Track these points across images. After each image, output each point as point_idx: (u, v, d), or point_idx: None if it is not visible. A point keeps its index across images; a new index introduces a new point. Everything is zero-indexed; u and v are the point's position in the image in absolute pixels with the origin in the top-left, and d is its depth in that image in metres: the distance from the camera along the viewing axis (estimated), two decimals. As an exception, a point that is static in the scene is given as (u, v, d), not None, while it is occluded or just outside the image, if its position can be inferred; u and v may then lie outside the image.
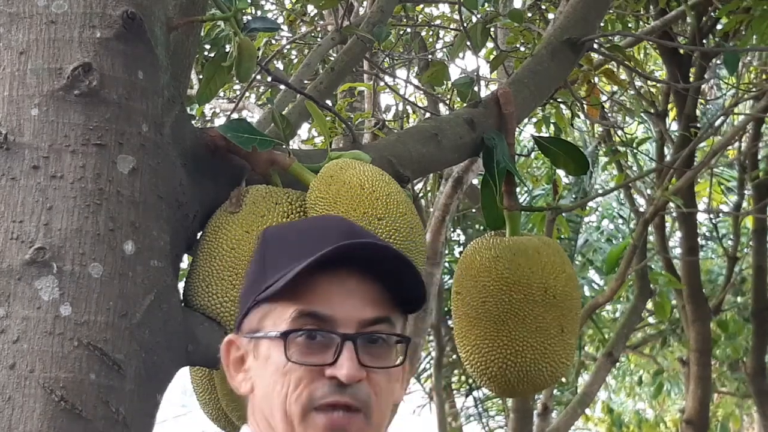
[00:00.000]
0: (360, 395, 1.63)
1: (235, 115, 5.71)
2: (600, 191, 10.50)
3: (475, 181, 6.68)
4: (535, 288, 2.87)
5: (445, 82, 4.52)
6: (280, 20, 7.68)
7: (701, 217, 10.34)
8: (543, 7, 6.88)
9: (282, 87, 4.93)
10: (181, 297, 2.45)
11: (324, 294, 1.64)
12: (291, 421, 1.63)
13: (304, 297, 1.64)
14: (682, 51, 7.45)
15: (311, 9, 7.40)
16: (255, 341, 1.69)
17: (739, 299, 10.05)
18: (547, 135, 5.50)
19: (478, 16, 4.13)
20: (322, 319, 1.64)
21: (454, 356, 10.48)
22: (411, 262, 1.67)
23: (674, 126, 9.05)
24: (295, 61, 7.72)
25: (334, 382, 1.62)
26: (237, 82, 4.91)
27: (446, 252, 7.69)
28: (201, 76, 5.56)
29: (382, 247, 1.65)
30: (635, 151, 7.36)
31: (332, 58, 4.64)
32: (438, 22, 7.23)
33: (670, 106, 8.35)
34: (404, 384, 1.74)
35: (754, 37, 5.04)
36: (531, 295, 2.86)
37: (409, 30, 7.23)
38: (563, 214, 6.22)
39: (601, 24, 4.80)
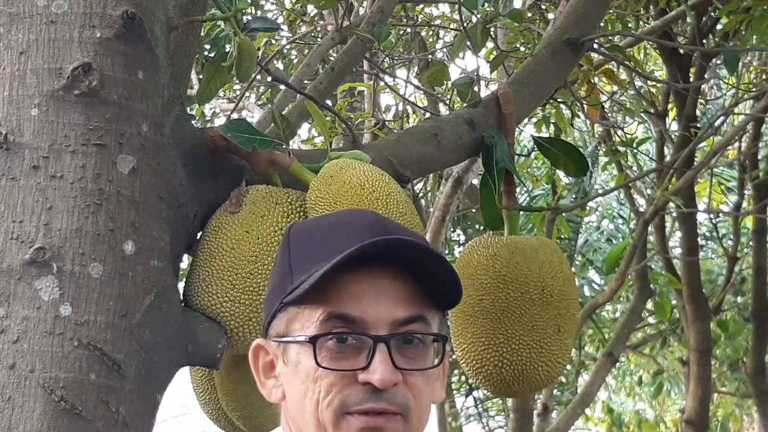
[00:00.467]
0: (397, 399, 1.55)
1: (235, 115, 5.71)
2: (600, 191, 10.50)
3: (475, 181, 6.67)
4: (533, 286, 2.87)
5: (445, 82, 4.53)
6: (280, 20, 7.68)
7: (701, 217, 10.35)
8: (543, 7, 6.88)
9: (282, 87, 4.93)
10: (181, 297, 2.45)
11: (353, 294, 1.56)
12: (324, 427, 1.56)
13: (332, 298, 1.56)
14: (682, 51, 7.45)
15: (311, 9, 7.40)
16: (284, 346, 1.61)
17: (739, 299, 10.05)
18: (547, 135, 5.50)
19: (478, 16, 4.13)
20: (352, 321, 1.56)
21: (454, 356, 10.47)
22: (442, 256, 1.59)
23: (674, 126, 9.05)
24: (295, 61, 7.72)
25: (368, 387, 1.54)
26: (237, 82, 4.91)
27: (446, 252, 7.69)
28: (201, 76, 5.56)
29: (410, 242, 1.56)
30: (635, 151, 7.37)
31: (332, 58, 4.64)
32: (438, 22, 7.23)
33: (670, 106, 8.35)
34: (444, 382, 1.65)
35: (754, 37, 5.04)
36: (528, 294, 2.86)
37: (409, 30, 7.23)
38: (563, 214, 6.22)
39: (601, 24, 4.80)
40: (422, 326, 1.58)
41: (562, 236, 9.22)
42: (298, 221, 1.70)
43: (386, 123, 6.74)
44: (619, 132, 7.44)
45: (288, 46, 7.50)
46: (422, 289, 1.59)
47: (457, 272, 1.60)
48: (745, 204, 8.75)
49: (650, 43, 7.89)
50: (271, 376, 1.66)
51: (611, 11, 6.28)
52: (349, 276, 1.56)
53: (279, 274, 1.64)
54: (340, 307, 1.56)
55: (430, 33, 7.88)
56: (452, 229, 10.63)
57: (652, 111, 8.04)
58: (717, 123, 7.30)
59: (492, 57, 5.64)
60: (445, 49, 7.93)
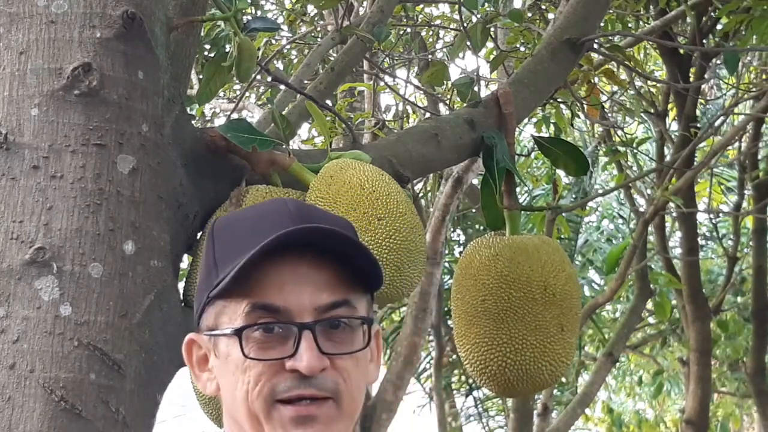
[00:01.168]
0: (326, 384, 1.56)
1: (235, 115, 5.71)
2: (600, 191, 10.50)
3: (475, 181, 6.68)
4: (535, 286, 2.86)
5: (445, 82, 4.52)
6: (280, 20, 7.68)
7: (701, 217, 10.34)
8: (543, 7, 6.88)
9: (282, 87, 4.93)
10: (181, 297, 2.45)
11: (275, 284, 1.56)
12: (256, 417, 1.57)
13: (255, 289, 1.56)
14: (682, 51, 7.44)
15: (311, 9, 7.40)
16: (214, 339, 1.61)
17: (739, 299, 10.05)
18: (547, 135, 5.50)
19: (478, 16, 4.13)
20: (276, 311, 1.56)
21: (454, 356, 10.48)
22: (356, 241, 1.59)
23: (674, 126, 9.04)
24: (295, 61, 7.72)
25: (296, 374, 1.55)
26: (237, 82, 4.90)
27: (446, 252, 7.70)
28: (201, 76, 5.55)
29: (325, 230, 1.57)
30: (635, 151, 7.36)
31: (332, 58, 4.64)
32: (438, 22, 7.23)
33: (670, 106, 8.35)
34: (378, 363, 1.66)
35: (754, 37, 5.04)
36: (530, 294, 2.86)
37: (409, 30, 7.23)
38: (563, 214, 6.21)
39: (601, 24, 4.81)
40: (347, 310, 1.59)
41: (562, 236, 9.22)
42: (221, 216, 1.71)
43: (386, 123, 6.74)
44: (619, 132, 7.44)
45: (288, 46, 7.50)
46: (346, 274, 1.59)
47: (373, 255, 1.60)
48: (745, 204, 8.75)
49: (650, 43, 7.89)
50: (204, 369, 1.66)
51: (611, 11, 6.28)
52: (270, 266, 1.56)
53: (205, 269, 1.64)
54: (263, 297, 1.57)
55: (430, 33, 7.88)
56: (452, 229, 10.63)
57: (652, 111, 8.04)
58: (717, 123, 7.30)
59: (492, 57, 5.64)
60: (445, 49, 7.92)
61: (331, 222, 1.62)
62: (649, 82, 8.08)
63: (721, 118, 6.93)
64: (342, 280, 1.59)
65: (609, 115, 8.24)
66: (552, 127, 5.95)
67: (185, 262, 2.72)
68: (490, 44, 6.04)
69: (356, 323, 1.59)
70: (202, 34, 3.23)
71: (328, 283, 1.58)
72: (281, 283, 1.57)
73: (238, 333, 1.56)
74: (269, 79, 5.66)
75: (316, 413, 1.55)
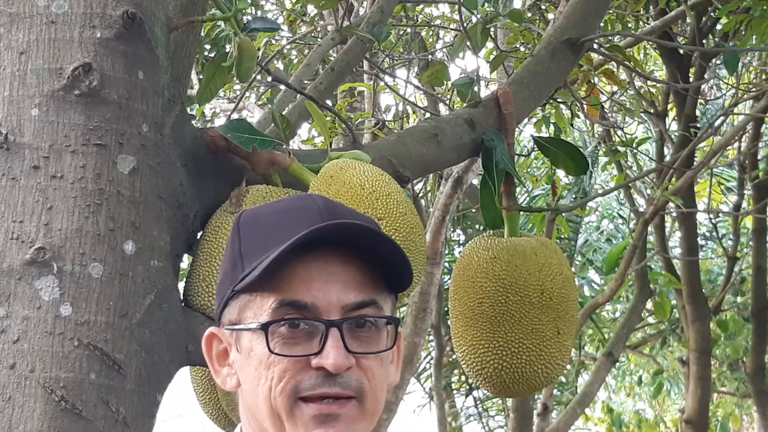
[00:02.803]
0: (351, 383, 1.54)
1: (235, 115, 5.71)
2: (600, 191, 10.50)
3: (475, 181, 6.67)
4: (532, 289, 2.87)
5: (445, 82, 4.52)
6: (280, 20, 7.68)
7: (701, 217, 10.35)
8: (543, 7, 6.88)
9: (282, 87, 4.93)
10: (182, 297, 2.45)
11: (304, 280, 1.54)
12: (278, 414, 1.54)
13: (283, 285, 1.54)
14: (682, 51, 7.45)
15: (311, 9, 7.41)
16: (236, 333, 1.59)
17: (738, 299, 10.05)
18: (546, 135, 5.50)
19: (478, 16, 4.13)
20: (303, 307, 1.54)
21: (454, 356, 10.47)
22: (391, 239, 1.57)
23: (674, 126, 9.05)
24: (295, 61, 7.72)
25: (321, 372, 1.53)
26: (237, 82, 4.91)
27: (446, 252, 7.69)
28: (201, 76, 5.56)
29: (358, 226, 1.54)
30: (635, 151, 7.36)
31: (332, 58, 4.64)
32: (438, 22, 7.23)
33: (669, 106, 8.35)
34: (398, 365, 1.65)
35: (754, 37, 5.04)
36: (528, 297, 2.86)
37: (409, 30, 7.23)
38: (563, 214, 6.22)
39: (601, 24, 4.81)
40: (374, 310, 1.57)
41: (562, 236, 9.22)
42: (247, 209, 1.68)
43: (386, 123, 6.74)
44: (619, 132, 7.44)
45: (288, 46, 7.50)
46: (374, 273, 1.57)
47: (406, 255, 1.58)
48: (744, 204, 8.75)
49: (650, 43, 7.89)
50: (225, 364, 1.64)
51: (611, 11, 6.28)
52: (299, 262, 1.55)
53: (230, 262, 1.62)
54: (291, 293, 1.54)
55: (430, 33, 7.88)
56: (452, 229, 10.63)
57: (651, 111, 8.04)
58: (717, 123, 7.30)
59: (492, 57, 5.64)
60: (445, 49, 7.93)
61: (360, 219, 1.60)
62: (648, 82, 8.09)
63: (721, 118, 6.93)
64: (370, 280, 1.57)
65: (609, 115, 8.24)
66: (552, 127, 5.95)
67: (185, 262, 2.73)
68: (490, 44, 6.04)
69: (382, 323, 1.58)
70: (202, 34, 3.24)
71: (356, 281, 1.56)
72: (310, 279, 1.55)
73: (264, 328, 1.54)
74: (269, 79, 5.66)
75: (338, 412, 1.54)
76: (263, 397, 1.55)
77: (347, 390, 1.54)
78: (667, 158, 7.51)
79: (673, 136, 8.17)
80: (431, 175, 7.03)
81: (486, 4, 5.07)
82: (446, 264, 9.73)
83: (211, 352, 1.66)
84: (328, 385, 1.53)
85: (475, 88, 3.54)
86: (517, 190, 3.14)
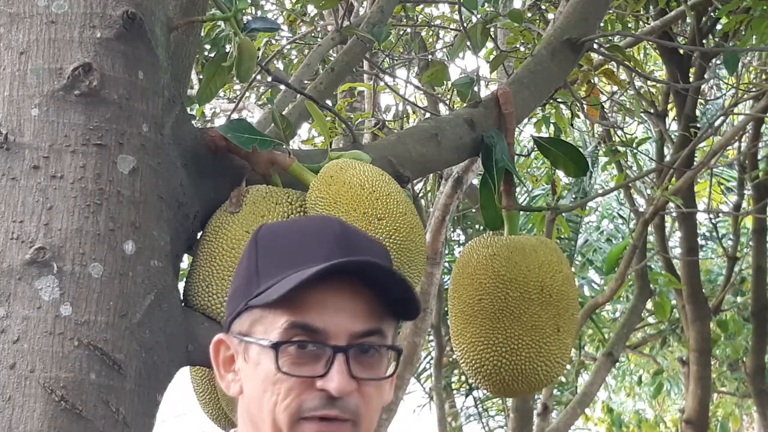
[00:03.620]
0: (349, 407, 1.63)
1: (235, 115, 5.71)
2: (600, 191, 10.50)
3: (475, 181, 6.67)
4: (532, 286, 2.87)
5: (445, 82, 4.52)
6: (280, 20, 7.68)
7: (701, 217, 10.35)
8: (543, 7, 6.88)
9: (282, 87, 4.93)
10: (182, 297, 2.45)
11: (317, 306, 1.63)
12: (279, 429, 1.63)
13: (296, 307, 1.63)
14: (682, 51, 7.45)
15: (311, 9, 7.41)
16: (245, 344, 1.68)
17: (738, 299, 10.05)
18: (546, 135, 5.50)
19: (478, 16, 4.13)
20: (314, 331, 1.63)
21: (454, 356, 10.47)
22: (402, 277, 1.67)
23: (674, 126, 9.05)
24: (295, 61, 7.72)
25: (324, 394, 1.62)
26: (237, 82, 4.91)
27: (446, 252, 7.69)
28: (201, 76, 5.56)
29: (375, 264, 1.64)
30: (635, 151, 7.36)
31: (332, 58, 4.64)
32: (438, 22, 7.23)
33: (670, 106, 8.35)
34: (392, 383, 1.74)
35: (754, 37, 5.04)
36: (527, 294, 2.86)
37: (409, 30, 7.23)
38: (563, 214, 6.22)
39: (601, 24, 4.81)
40: (379, 338, 1.66)
41: (562, 236, 9.22)
42: (266, 224, 1.76)
43: (386, 123, 6.74)
44: (619, 132, 7.44)
45: (288, 47, 7.50)
46: (381, 303, 1.66)
47: (415, 291, 1.67)
48: (744, 204, 8.75)
49: (650, 43, 7.89)
50: (230, 370, 1.72)
51: (611, 11, 6.28)
52: (313, 288, 1.63)
53: (245, 276, 1.70)
54: (303, 316, 1.63)
55: (430, 33, 7.88)
56: (452, 229, 10.63)
57: (651, 111, 8.04)
58: (717, 123, 7.30)
59: (492, 57, 5.64)
60: (445, 49, 7.93)
61: (372, 249, 1.70)
62: (648, 82, 8.09)
63: (721, 118, 6.93)
64: (377, 310, 1.66)
65: (609, 115, 8.24)
66: (552, 127, 5.95)
67: (185, 262, 2.73)
68: (490, 44, 6.04)
69: (384, 351, 1.67)
70: (202, 34, 3.24)
71: (364, 311, 1.65)
72: (323, 306, 1.63)
73: (275, 347, 1.62)
74: (269, 79, 5.66)
75: None
76: (267, 411, 1.64)
77: (345, 413, 1.62)
78: (667, 158, 7.51)
79: (673, 136, 8.17)
80: (431, 175, 7.02)
81: (486, 4, 5.07)
82: (446, 264, 9.73)
83: (218, 357, 1.74)
84: (329, 407, 1.62)
85: (475, 88, 3.54)
86: (517, 190, 3.14)
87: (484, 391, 11.75)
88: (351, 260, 1.63)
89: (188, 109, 2.67)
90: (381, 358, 1.67)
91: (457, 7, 4.62)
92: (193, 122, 2.61)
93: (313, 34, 7.30)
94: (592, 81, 5.26)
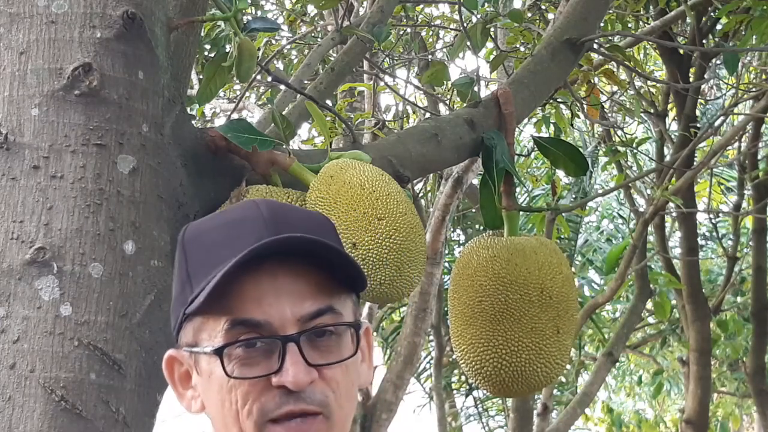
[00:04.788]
0: (315, 397, 1.49)
1: (235, 115, 5.71)
2: (600, 191, 10.50)
3: (475, 181, 6.67)
4: (532, 288, 2.87)
5: (445, 82, 4.52)
6: (280, 20, 7.68)
7: (701, 217, 10.35)
8: (543, 7, 6.88)
9: (282, 87, 4.93)
10: (181, 297, 2.45)
11: (253, 297, 1.49)
12: None
13: (234, 304, 1.49)
14: (682, 51, 7.45)
15: (311, 9, 7.41)
16: (195, 356, 1.55)
17: (738, 299, 10.05)
18: (546, 135, 5.50)
19: (478, 16, 4.13)
20: (257, 325, 1.48)
21: (454, 356, 10.47)
22: (334, 246, 1.50)
23: (674, 126, 9.04)
24: (295, 61, 7.72)
25: (283, 390, 1.48)
26: (237, 82, 4.91)
27: (446, 252, 7.70)
28: (201, 76, 5.56)
29: (301, 239, 1.49)
30: (635, 151, 7.36)
31: (332, 58, 4.64)
32: (438, 22, 7.23)
33: (670, 106, 8.35)
34: (370, 363, 1.60)
35: (754, 37, 5.04)
36: (527, 296, 2.86)
37: (409, 30, 7.23)
38: (563, 214, 6.22)
39: (601, 24, 4.81)
40: (332, 317, 1.51)
41: (562, 236, 9.22)
42: (191, 223, 1.61)
43: (386, 123, 6.74)
44: (619, 132, 7.44)
45: (288, 46, 7.50)
46: (328, 279, 1.51)
47: (353, 259, 1.53)
48: (744, 204, 8.75)
49: (650, 43, 7.89)
50: (188, 386, 1.60)
51: (611, 11, 6.28)
52: (248, 278, 1.49)
53: (179, 283, 1.56)
54: (242, 312, 1.49)
55: (430, 33, 7.88)
56: (452, 229, 10.63)
57: (651, 111, 8.04)
58: (717, 123, 7.30)
59: (492, 57, 5.64)
60: (445, 49, 7.93)
61: (308, 222, 1.55)
62: (648, 82, 8.09)
63: (721, 118, 6.93)
64: (324, 286, 1.52)
65: (609, 115, 8.24)
66: (552, 127, 5.95)
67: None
68: (490, 44, 6.04)
69: (343, 329, 1.52)
70: (202, 34, 3.24)
71: (309, 291, 1.50)
72: (260, 295, 1.49)
73: (218, 352, 1.50)
74: (269, 79, 5.66)
75: (307, 431, 1.49)
76: (231, 421, 1.51)
77: (312, 405, 1.49)
78: (667, 158, 7.51)
79: (673, 136, 8.17)
80: (431, 175, 7.03)
81: (486, 4, 5.07)
82: (446, 264, 9.73)
83: (174, 376, 1.62)
84: (293, 402, 1.48)
85: (475, 88, 3.54)
86: (517, 190, 3.13)
87: (484, 391, 11.75)
88: (275, 239, 1.48)
89: (188, 109, 2.67)
90: (340, 338, 1.52)
91: (457, 7, 4.62)
92: (193, 122, 2.61)
93: (313, 34, 7.30)
94: (592, 81, 5.26)
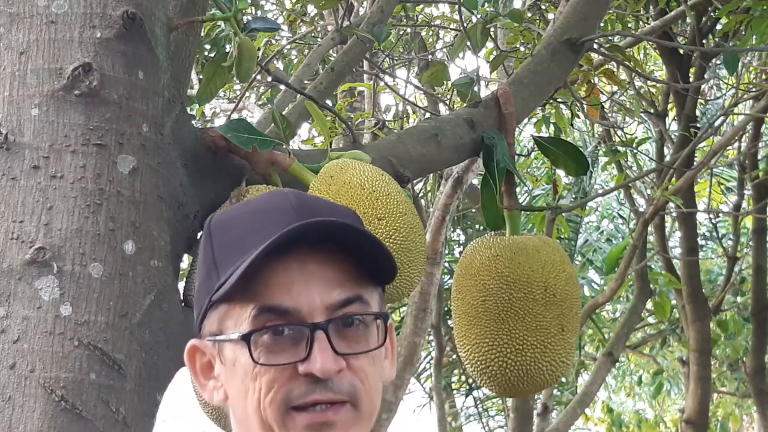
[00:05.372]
0: (343, 387, 1.46)
1: (235, 115, 5.71)
2: (600, 191, 10.51)
3: (475, 181, 6.68)
4: (535, 286, 2.87)
5: (445, 82, 4.52)
6: (280, 20, 7.68)
7: (701, 217, 10.35)
8: (543, 7, 6.88)
9: (282, 87, 4.93)
10: (182, 297, 2.45)
11: (282, 284, 1.46)
12: (269, 426, 1.47)
13: (262, 290, 1.47)
14: (682, 51, 7.45)
15: (311, 9, 7.41)
16: (219, 345, 1.51)
17: (738, 299, 10.05)
18: (547, 135, 5.50)
19: (478, 16, 4.13)
20: (285, 312, 1.46)
21: (454, 356, 10.48)
22: (366, 232, 1.49)
23: (674, 126, 9.05)
24: (295, 61, 7.72)
25: (310, 378, 1.45)
26: (237, 82, 4.91)
27: (446, 252, 7.70)
28: (201, 76, 5.56)
29: (333, 222, 1.47)
30: (635, 151, 7.36)
31: (332, 58, 4.64)
32: (438, 22, 7.23)
33: (670, 106, 8.35)
34: (393, 360, 1.56)
35: (754, 37, 5.04)
36: (531, 294, 2.86)
37: (409, 30, 7.23)
38: (563, 214, 6.21)
39: (601, 24, 4.81)
40: (360, 306, 1.49)
41: (562, 236, 9.22)
42: (217, 212, 1.60)
43: (386, 123, 6.74)
44: (619, 132, 7.44)
45: (288, 46, 7.50)
46: (357, 268, 1.50)
47: (384, 245, 1.51)
48: (744, 204, 8.75)
49: (650, 43, 7.89)
50: (210, 377, 1.56)
51: (611, 11, 6.28)
52: (276, 264, 1.47)
53: (204, 271, 1.54)
54: (270, 299, 1.47)
55: (430, 33, 7.88)
56: (452, 229, 10.63)
57: (651, 111, 8.05)
58: (717, 123, 7.30)
59: (492, 57, 5.64)
60: (445, 49, 7.93)
61: (336, 212, 1.53)
62: (648, 82, 8.09)
63: (721, 118, 6.93)
64: (353, 275, 1.49)
65: (609, 115, 8.24)
66: (552, 127, 5.95)
67: (185, 262, 2.72)
68: (490, 44, 6.04)
69: (370, 319, 1.50)
70: (202, 34, 3.24)
71: (338, 279, 1.48)
72: (289, 282, 1.47)
73: (245, 338, 1.47)
74: (269, 79, 5.66)
75: (333, 419, 1.47)
76: (253, 410, 1.48)
77: (340, 395, 1.46)
78: (667, 158, 7.52)
79: (673, 136, 8.17)
80: (431, 175, 7.02)
81: (486, 4, 5.07)
82: (446, 264, 9.73)
83: (195, 366, 1.57)
84: (319, 391, 1.46)
85: (475, 88, 3.54)
86: (518, 190, 3.13)
87: (484, 391, 11.76)
88: (304, 223, 1.45)
89: (188, 109, 2.67)
90: (368, 328, 1.50)
91: (457, 7, 4.62)
92: (193, 122, 2.61)
93: (313, 34, 7.30)
94: (592, 81, 5.26)
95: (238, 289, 1.47)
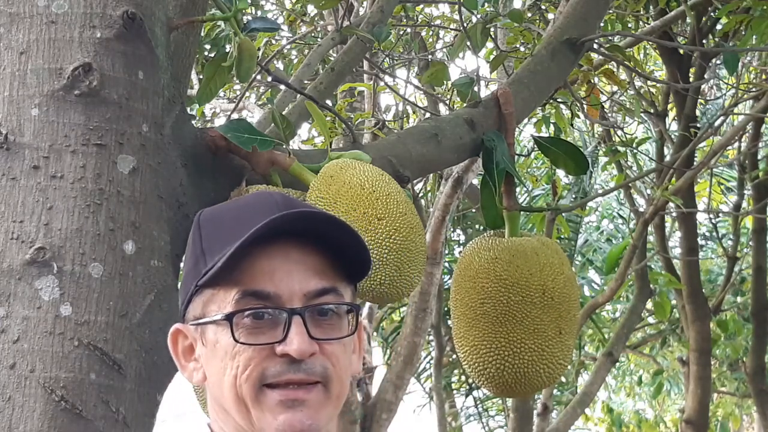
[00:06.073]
0: (315, 369, 1.58)
1: (235, 115, 5.71)
2: (600, 191, 10.51)
3: (475, 181, 6.68)
4: (534, 289, 2.87)
5: (445, 82, 4.52)
6: (280, 20, 7.68)
7: (701, 217, 10.35)
8: (543, 7, 6.88)
9: (282, 87, 4.93)
10: (181, 297, 2.45)
11: (266, 271, 1.59)
12: (243, 401, 1.58)
13: (245, 277, 1.59)
14: (682, 51, 7.45)
15: (311, 9, 7.40)
16: (201, 328, 1.63)
17: (738, 299, 10.05)
18: (546, 135, 5.50)
19: (478, 16, 4.13)
20: (266, 297, 1.58)
21: (454, 356, 10.47)
22: (348, 225, 1.61)
23: (674, 126, 9.05)
24: (295, 61, 7.72)
25: (286, 359, 1.57)
26: (237, 82, 4.91)
27: (446, 252, 7.70)
28: (201, 76, 5.56)
29: (316, 213, 1.61)
30: (635, 151, 7.36)
31: (332, 58, 4.64)
32: (438, 22, 7.23)
33: (670, 106, 8.35)
34: (360, 354, 1.68)
35: (754, 37, 5.04)
36: (529, 297, 2.86)
37: (409, 30, 7.23)
38: (563, 214, 6.22)
39: (601, 24, 4.81)
40: (335, 297, 1.61)
41: (562, 236, 9.22)
42: (206, 208, 1.71)
43: (386, 123, 6.74)
44: (619, 132, 7.44)
45: (288, 46, 7.50)
46: (334, 262, 1.62)
47: (363, 240, 1.62)
48: (744, 204, 8.75)
49: (650, 43, 7.89)
50: (191, 359, 1.67)
51: (611, 11, 6.28)
52: (260, 253, 1.59)
53: (192, 260, 1.65)
54: (253, 284, 1.59)
55: (430, 33, 7.88)
56: (452, 229, 10.63)
57: (652, 111, 8.04)
58: (717, 123, 7.30)
59: (492, 57, 5.64)
60: (445, 49, 7.92)
61: (314, 209, 1.65)
62: (648, 82, 8.08)
63: (721, 118, 6.93)
64: (330, 268, 1.62)
65: (609, 115, 8.24)
66: (552, 127, 5.95)
67: (185, 262, 2.73)
68: (490, 44, 6.04)
69: (343, 310, 1.62)
70: (202, 34, 3.24)
71: (316, 269, 1.60)
72: (272, 270, 1.59)
73: (228, 318, 1.58)
74: (269, 79, 5.66)
75: (304, 397, 1.57)
76: (228, 386, 1.59)
77: (312, 375, 1.58)
78: (667, 158, 7.51)
79: (673, 136, 8.17)
80: (431, 175, 7.03)
81: (486, 4, 5.07)
82: (446, 264, 9.73)
83: (177, 349, 1.70)
84: (294, 371, 1.57)
85: (475, 88, 3.54)
86: (518, 190, 3.13)
87: (484, 391, 11.76)
88: (289, 212, 1.58)
89: (188, 109, 2.67)
90: (340, 319, 1.62)
91: (457, 7, 4.62)
92: (193, 122, 2.61)
93: (313, 34, 7.30)
94: (592, 81, 5.26)
95: (224, 274, 1.59)
